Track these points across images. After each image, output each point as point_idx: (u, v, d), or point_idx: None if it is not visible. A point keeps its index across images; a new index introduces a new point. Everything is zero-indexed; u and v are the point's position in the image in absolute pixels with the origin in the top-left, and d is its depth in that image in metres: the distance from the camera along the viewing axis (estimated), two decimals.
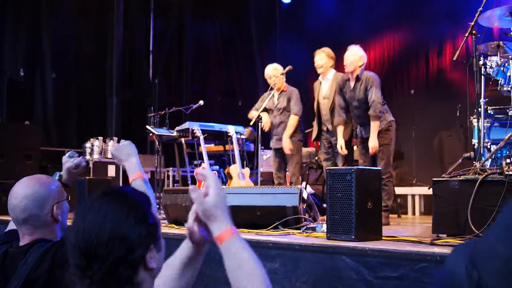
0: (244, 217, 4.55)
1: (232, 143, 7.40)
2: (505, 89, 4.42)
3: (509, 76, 4.35)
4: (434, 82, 10.17)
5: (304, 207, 4.36)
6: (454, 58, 4.27)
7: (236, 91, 12.41)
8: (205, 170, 1.56)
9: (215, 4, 11.73)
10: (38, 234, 2.08)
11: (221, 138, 7.60)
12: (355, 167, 3.49)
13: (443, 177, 3.98)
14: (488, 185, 3.74)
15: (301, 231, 4.06)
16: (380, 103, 5.38)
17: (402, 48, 10.80)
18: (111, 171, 9.14)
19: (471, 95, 8.47)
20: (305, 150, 7.34)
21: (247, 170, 7.19)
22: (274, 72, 6.33)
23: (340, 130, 5.66)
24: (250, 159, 8.45)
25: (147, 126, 6.83)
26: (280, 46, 12.73)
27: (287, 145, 6.08)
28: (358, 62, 5.53)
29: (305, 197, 4.38)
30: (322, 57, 5.95)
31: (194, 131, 7.05)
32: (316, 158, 7.12)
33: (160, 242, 1.45)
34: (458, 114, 8.83)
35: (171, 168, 9.57)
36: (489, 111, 4.60)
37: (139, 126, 10.64)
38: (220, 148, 7.93)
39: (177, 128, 7.37)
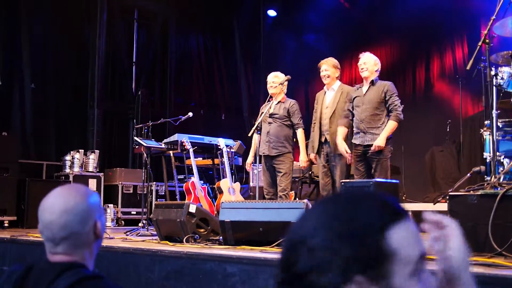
0: (245, 233, 4.28)
1: (222, 156, 7.14)
2: None
3: None
4: (422, 96, 10.10)
5: None
6: (468, 68, 4.10)
7: (219, 104, 12.17)
8: (445, 217, 1.23)
9: (199, 16, 11.52)
10: (76, 255, 1.73)
11: (210, 151, 7.33)
12: (373, 179, 3.26)
13: (459, 192, 3.78)
14: (509, 200, 3.55)
15: None
16: (400, 110, 5.30)
17: (389, 62, 10.70)
18: (92, 185, 8.78)
19: (476, 108, 8.46)
20: (297, 164, 7.09)
21: (237, 185, 6.92)
22: (274, 79, 6.11)
23: (341, 131, 5.47)
24: (238, 173, 8.19)
25: (136, 138, 6.51)
26: (264, 59, 12.58)
27: (304, 162, 5.93)
28: (374, 67, 5.51)
29: None
30: (328, 68, 5.78)
31: (184, 144, 6.77)
32: (310, 172, 6.89)
33: None
34: (448, 129, 8.75)
35: (154, 183, 9.24)
36: (499, 124, 4.43)
37: (121, 139, 10.31)
38: (208, 162, 7.65)
39: (165, 140, 7.09)
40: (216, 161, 7.55)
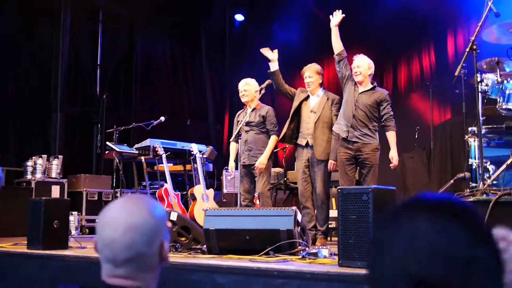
0: (231, 242, 4.15)
1: (194, 162, 6.98)
2: (504, 107, 4.27)
3: (509, 94, 4.21)
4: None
5: (299, 230, 4.01)
6: (456, 74, 4.09)
7: (184, 109, 11.97)
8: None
9: (165, 19, 11.31)
10: (140, 280, 1.50)
11: (182, 157, 7.15)
12: (372, 186, 3.18)
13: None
14: (501, 207, 3.54)
15: (301, 257, 3.70)
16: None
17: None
18: (55, 191, 8.45)
19: (446, 115, 8.52)
20: (272, 170, 6.99)
21: (211, 191, 6.78)
22: (245, 87, 6.01)
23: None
24: (209, 180, 8.02)
25: (108, 143, 6.27)
26: (230, 65, 12.47)
27: (263, 164, 5.73)
28: (368, 71, 5.47)
29: (299, 220, 4.03)
30: (312, 74, 5.68)
31: (156, 149, 6.58)
32: (285, 178, 6.80)
33: None
34: (417, 136, 8.82)
35: (120, 189, 8.95)
36: (483, 130, 4.44)
37: (85, 144, 9.98)
38: (179, 168, 7.45)
39: (136, 145, 6.87)
40: (188, 167, 7.37)
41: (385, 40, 10.11)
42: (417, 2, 9.40)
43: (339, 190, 3.32)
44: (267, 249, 3.92)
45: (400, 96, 10.08)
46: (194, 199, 6.62)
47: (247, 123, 5.91)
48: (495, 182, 4.04)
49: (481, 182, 3.92)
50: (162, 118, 7.00)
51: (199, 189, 6.65)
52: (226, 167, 7.52)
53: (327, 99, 5.66)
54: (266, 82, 5.62)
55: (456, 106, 8.54)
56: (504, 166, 3.98)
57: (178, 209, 6.39)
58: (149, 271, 1.50)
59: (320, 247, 3.77)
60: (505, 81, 4.29)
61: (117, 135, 6.49)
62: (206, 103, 12.28)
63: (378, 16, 9.99)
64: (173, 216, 4.51)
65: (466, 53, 4.15)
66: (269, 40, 11.63)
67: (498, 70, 4.40)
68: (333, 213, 7.53)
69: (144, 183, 8.29)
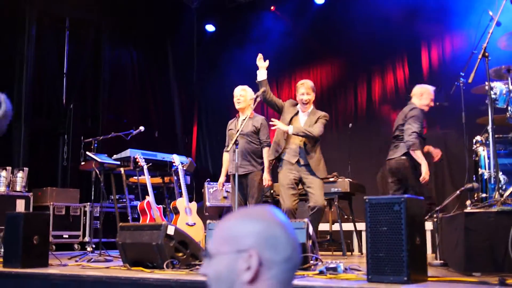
0: None
1: (175, 174, 6.67)
2: None
3: None
4: (364, 116, 10.10)
5: (310, 244, 3.79)
6: (470, 81, 3.98)
7: (152, 121, 11.59)
8: None
9: (133, 29, 10.96)
10: None
11: (162, 168, 6.82)
12: (405, 195, 2.99)
13: (474, 210, 3.61)
14: None
15: (318, 272, 3.47)
16: None
17: (329, 81, 10.68)
18: (20, 206, 7.96)
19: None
20: None
21: (194, 205, 6.49)
22: (241, 92, 5.76)
23: None
24: (188, 193, 7.70)
25: (88, 153, 5.88)
26: (199, 76, 12.20)
27: (269, 180, 5.53)
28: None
29: (311, 233, 3.81)
30: (309, 91, 5.49)
31: (137, 160, 6.24)
32: (272, 191, 6.57)
33: None
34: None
35: (88, 204, 8.51)
36: (489, 140, 4.34)
37: (51, 156, 9.48)
38: (158, 180, 7.11)
39: (115, 156, 6.51)
40: (167, 179, 7.05)
41: (359, 53, 10.07)
42: (391, 15, 9.41)
43: (366, 201, 3.12)
44: None
45: (374, 109, 10.03)
46: (177, 212, 6.31)
47: (240, 132, 5.63)
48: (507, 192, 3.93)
49: (497, 193, 3.81)
50: (142, 128, 6.69)
51: (181, 202, 6.35)
52: (208, 179, 7.25)
53: (318, 117, 5.47)
54: (261, 90, 5.38)
55: (436, 118, 8.56)
56: None
57: (159, 222, 6.05)
58: None
59: (339, 262, 3.54)
60: None
61: (95, 145, 6.11)
62: (174, 115, 11.95)
63: (352, 29, 9.96)
64: (170, 230, 4.21)
65: (479, 60, 4.05)
66: (240, 51, 11.45)
67: (510, 79, 4.33)
68: (324, 226, 7.38)
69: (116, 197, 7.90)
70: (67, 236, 8.35)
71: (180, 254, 4.25)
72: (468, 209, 3.69)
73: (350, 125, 8.59)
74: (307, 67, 10.88)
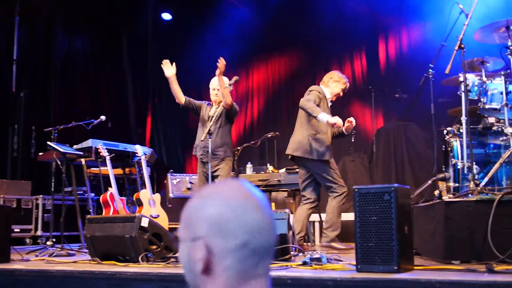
0: None
1: (137, 165, 6.49)
2: (487, 107, 4.27)
3: (492, 94, 4.22)
4: None
5: (291, 234, 3.74)
6: (446, 72, 4.03)
7: (105, 111, 11.24)
8: None
9: (87, 17, 10.59)
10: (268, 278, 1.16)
11: (123, 159, 6.61)
12: (395, 184, 2.98)
13: (454, 198, 3.66)
14: (504, 206, 3.49)
15: (302, 263, 3.42)
16: None
17: (288, 72, 10.67)
18: None
19: (386, 119, 8.58)
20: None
21: (157, 196, 6.33)
22: (218, 86, 5.60)
23: None
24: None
25: (49, 143, 5.62)
26: (154, 66, 11.92)
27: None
28: None
29: (291, 224, 3.77)
30: None
31: (99, 150, 6.02)
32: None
33: None
34: (353, 140, 8.84)
35: (40, 196, 8.19)
36: (461, 131, 4.42)
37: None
38: (119, 171, 6.88)
39: (76, 146, 6.26)
40: (127, 170, 6.85)
41: (317, 45, 10.10)
42: (349, 8, 9.48)
43: (356, 190, 3.10)
44: None
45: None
46: (140, 204, 6.14)
47: (213, 117, 5.52)
48: (481, 182, 4.00)
49: (472, 182, 3.87)
50: (103, 117, 6.45)
51: (145, 194, 6.18)
52: (171, 170, 7.11)
53: None
54: (234, 79, 5.30)
55: (396, 110, 8.69)
56: (497, 165, 3.96)
57: (124, 214, 5.87)
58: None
59: (320, 252, 3.51)
60: (488, 82, 4.30)
61: (55, 135, 5.84)
62: (127, 104, 11.66)
63: (310, 21, 9.97)
64: (144, 222, 4.07)
65: (455, 51, 4.10)
66: (197, 40, 11.27)
67: (483, 70, 4.40)
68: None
69: (67, 189, 7.63)
70: (18, 230, 8.01)
71: (154, 247, 4.13)
72: (447, 198, 3.73)
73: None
74: (265, 58, 10.84)
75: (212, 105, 5.75)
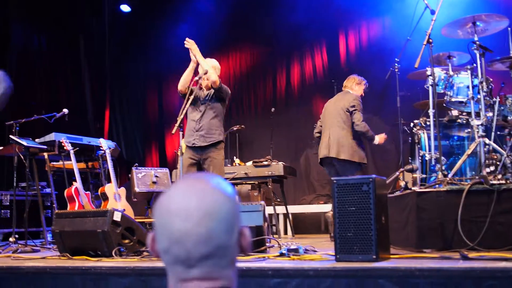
0: None
1: (101, 159, 6.39)
2: (453, 100, 4.40)
3: (458, 87, 4.35)
4: (283, 101, 10.21)
5: (267, 226, 3.77)
6: (416, 66, 4.12)
7: (62, 105, 10.98)
8: None
9: (43, 8, 10.29)
10: (222, 280, 1.15)
11: (87, 153, 6.49)
12: (373, 176, 3.05)
13: (425, 188, 3.76)
14: (473, 196, 3.61)
15: (279, 254, 3.46)
16: None
17: (249, 66, 10.68)
18: None
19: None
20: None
21: (123, 190, 6.25)
22: (211, 70, 5.41)
23: None
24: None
25: (12, 137, 5.45)
26: (111, 60, 11.72)
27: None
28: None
29: (267, 215, 3.80)
30: None
31: (63, 144, 5.89)
32: None
33: None
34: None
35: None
36: (427, 123, 4.54)
37: None
38: (82, 165, 6.75)
39: (38, 140, 6.10)
40: (90, 164, 6.72)
41: (278, 39, 10.15)
42: (309, 2, 9.56)
43: (334, 181, 3.14)
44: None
45: (293, 94, 10.16)
46: (106, 198, 6.05)
47: (204, 100, 5.42)
48: (448, 172, 4.13)
49: (440, 173, 3.99)
50: (65, 111, 6.31)
51: (110, 188, 6.09)
52: (136, 164, 7.02)
53: None
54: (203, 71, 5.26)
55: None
56: (465, 157, 4.09)
57: (90, 209, 5.77)
58: (231, 266, 1.19)
59: (296, 244, 3.55)
60: (455, 75, 4.42)
61: (17, 128, 5.67)
62: (85, 99, 11.43)
63: (271, 15, 10.00)
64: (117, 217, 4.02)
65: (423, 46, 4.20)
66: (156, 33, 11.13)
67: (449, 64, 4.53)
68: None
69: (23, 184, 7.43)
70: None
71: (127, 241, 4.08)
72: (417, 189, 3.83)
73: (273, 109, 8.65)
74: (226, 52, 10.80)
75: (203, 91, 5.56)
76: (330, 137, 5.77)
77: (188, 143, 5.28)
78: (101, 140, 6.35)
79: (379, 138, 5.69)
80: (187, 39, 5.40)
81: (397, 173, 4.67)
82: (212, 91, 5.35)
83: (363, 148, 5.70)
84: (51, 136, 6.12)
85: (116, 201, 6.08)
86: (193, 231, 1.12)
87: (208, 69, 5.22)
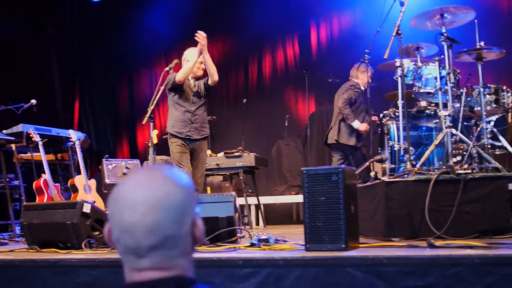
0: None
1: (70, 150, 6.31)
2: (422, 91, 4.46)
3: (426, 79, 4.41)
4: (255, 93, 10.20)
5: (238, 217, 3.78)
6: (385, 57, 4.16)
7: (30, 96, 10.79)
8: None
9: None
10: (174, 269, 1.18)
11: (56, 144, 6.40)
12: (342, 166, 3.08)
13: (395, 178, 3.81)
14: (440, 185, 3.68)
15: (249, 244, 3.47)
16: None
17: (220, 57, 10.63)
18: None
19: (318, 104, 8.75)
20: (159, 158, 6.59)
21: (93, 182, 6.19)
22: (200, 59, 5.37)
23: None
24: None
25: None
26: (81, 50, 11.54)
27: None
28: None
29: (237, 206, 3.81)
30: None
31: (31, 135, 5.80)
32: None
33: None
34: (287, 124, 8.99)
35: None
36: (397, 114, 4.60)
37: None
38: (51, 157, 6.66)
39: (5, 131, 6.00)
40: (59, 155, 6.64)
41: (250, 30, 10.12)
42: None
43: (304, 172, 3.17)
44: (206, 238, 3.63)
45: (265, 85, 10.17)
46: (75, 190, 6.00)
47: (195, 94, 5.38)
48: (416, 162, 4.20)
49: (409, 163, 4.06)
50: (33, 101, 6.23)
51: (80, 180, 6.04)
52: (107, 155, 6.95)
53: None
54: (174, 62, 5.23)
55: (329, 94, 8.87)
56: (432, 147, 4.16)
57: (59, 201, 5.71)
58: (184, 256, 1.21)
59: (267, 234, 3.58)
60: (423, 67, 4.49)
61: None
62: (53, 89, 11.25)
63: (242, 6, 9.97)
64: (86, 208, 3.98)
65: (393, 37, 4.24)
66: (127, 22, 11.00)
67: (418, 56, 4.59)
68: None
69: None
70: None
71: (97, 233, 4.05)
72: (386, 178, 3.89)
73: (245, 100, 8.66)
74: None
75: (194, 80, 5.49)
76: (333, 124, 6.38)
77: (180, 134, 5.23)
78: (71, 131, 6.27)
79: (360, 126, 6.01)
80: (199, 32, 5.28)
81: (367, 163, 4.73)
82: (203, 84, 5.35)
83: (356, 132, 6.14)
84: (19, 127, 6.02)
85: (86, 193, 6.02)
86: (140, 221, 1.15)
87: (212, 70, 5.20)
